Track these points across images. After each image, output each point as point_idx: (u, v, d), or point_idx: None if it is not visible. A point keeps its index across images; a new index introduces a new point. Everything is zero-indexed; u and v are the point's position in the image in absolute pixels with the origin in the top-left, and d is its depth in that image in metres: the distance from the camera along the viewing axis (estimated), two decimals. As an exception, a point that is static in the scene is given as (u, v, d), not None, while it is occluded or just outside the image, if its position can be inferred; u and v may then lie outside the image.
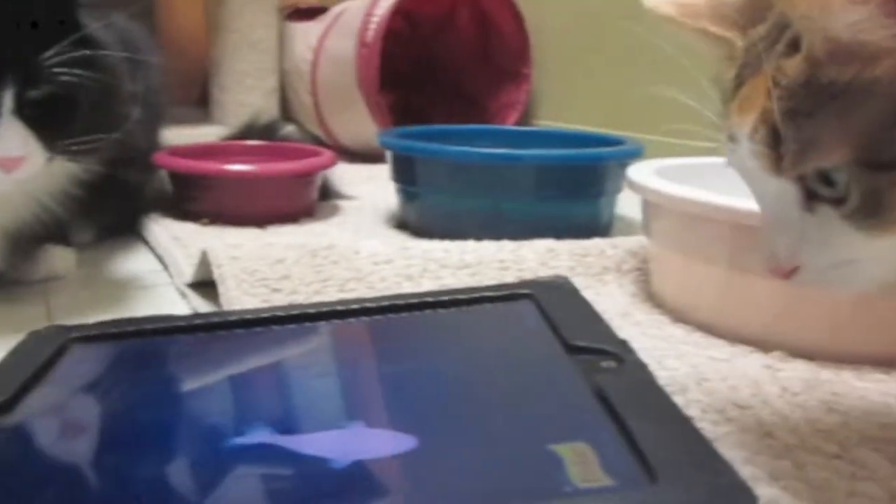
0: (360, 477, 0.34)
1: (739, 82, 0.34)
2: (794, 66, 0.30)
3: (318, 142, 1.41)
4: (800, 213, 0.32)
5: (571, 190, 0.82)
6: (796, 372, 0.52)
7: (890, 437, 0.43)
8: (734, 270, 0.56)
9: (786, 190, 0.32)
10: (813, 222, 0.32)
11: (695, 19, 0.37)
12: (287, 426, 0.39)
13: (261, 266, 0.63)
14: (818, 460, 0.41)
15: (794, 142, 0.31)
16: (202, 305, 0.65)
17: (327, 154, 0.97)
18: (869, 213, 0.30)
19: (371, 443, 0.37)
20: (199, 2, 1.56)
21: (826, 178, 0.31)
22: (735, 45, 0.36)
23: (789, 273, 0.34)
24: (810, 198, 0.32)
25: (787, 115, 0.30)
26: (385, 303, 0.51)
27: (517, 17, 1.37)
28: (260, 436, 0.37)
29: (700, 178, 0.66)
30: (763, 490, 0.38)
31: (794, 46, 0.31)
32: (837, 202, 0.31)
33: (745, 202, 0.53)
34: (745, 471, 0.40)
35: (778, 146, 0.31)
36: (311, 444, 0.36)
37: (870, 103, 0.29)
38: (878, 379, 0.51)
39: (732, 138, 0.34)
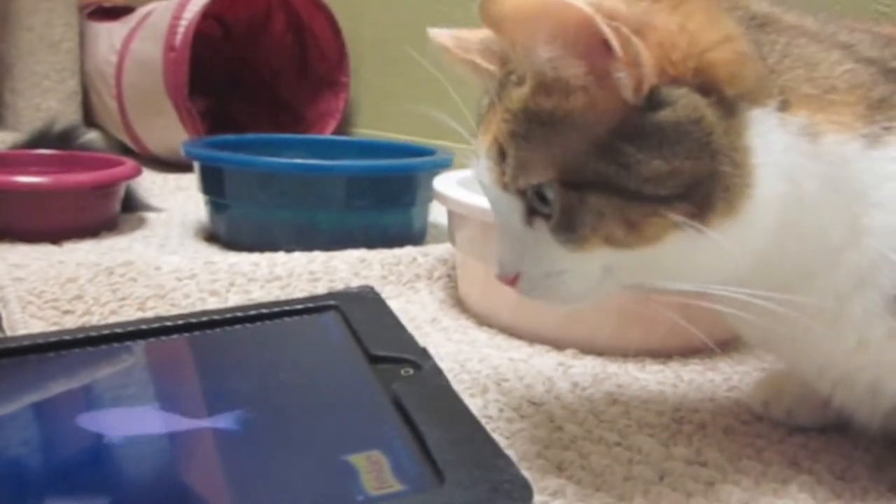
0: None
1: (488, 109, 0.38)
2: (517, 95, 0.35)
3: (124, 149, 1.34)
4: (523, 227, 0.36)
5: (383, 200, 0.83)
6: (587, 368, 0.56)
7: (663, 423, 0.48)
8: (530, 275, 0.59)
9: (512, 204, 0.36)
10: (531, 235, 0.36)
11: (466, 52, 0.41)
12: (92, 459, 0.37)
13: (49, 286, 0.59)
14: (601, 449, 0.45)
15: (513, 159, 0.35)
16: (-16, 331, 0.60)
17: (129, 164, 0.92)
18: (565, 228, 0.35)
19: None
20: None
21: (542, 197, 0.35)
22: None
23: (513, 280, 0.38)
24: (530, 213, 0.36)
25: (509, 137, 0.35)
26: (184, 321, 0.49)
27: (333, 25, 1.37)
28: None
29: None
30: (550, 481, 0.41)
31: (523, 79, 0.35)
32: (548, 217, 0.35)
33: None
34: (537, 463, 0.43)
35: (503, 164, 0.35)
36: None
37: (568, 132, 0.33)
38: (656, 370, 0.57)
39: (476, 155, 0.38)
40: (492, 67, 0.39)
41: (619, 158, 0.33)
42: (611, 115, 0.33)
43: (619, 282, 0.37)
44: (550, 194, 0.34)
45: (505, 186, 0.36)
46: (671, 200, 0.33)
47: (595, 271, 0.36)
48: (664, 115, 0.32)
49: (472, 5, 0.33)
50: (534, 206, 0.35)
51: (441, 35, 0.41)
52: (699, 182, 0.33)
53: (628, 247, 0.34)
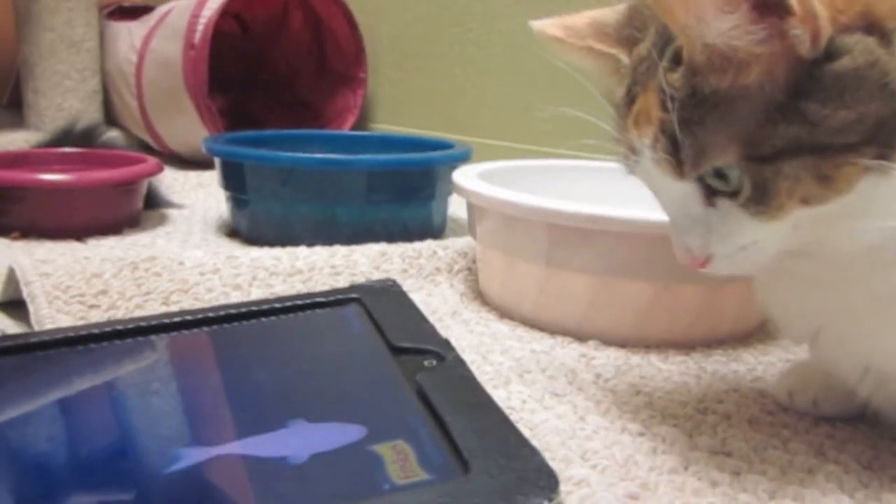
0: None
1: (631, 99, 0.38)
2: (679, 80, 0.34)
3: (145, 147, 1.35)
4: (703, 210, 0.36)
5: (403, 194, 0.83)
6: (609, 359, 0.56)
7: (687, 414, 0.48)
8: (551, 267, 0.59)
9: (688, 191, 0.36)
10: (715, 215, 0.36)
11: (580, 39, 0.40)
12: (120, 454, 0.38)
13: (75, 281, 0.59)
14: (625, 439, 0.45)
15: (690, 147, 0.34)
16: (12, 327, 0.61)
17: (151, 161, 0.92)
18: (758, 201, 0.35)
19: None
20: (6, -5, 1.45)
21: (721, 175, 0.35)
22: (620, 60, 0.39)
23: (704, 263, 0.38)
24: (709, 194, 0.36)
25: (681, 125, 0.34)
26: (209, 314, 0.50)
27: (350, 21, 1.37)
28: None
29: (521, 180, 0.70)
30: (575, 470, 0.41)
31: (676, 61, 0.35)
32: (733, 195, 0.35)
33: (560, 203, 0.57)
34: (560, 454, 0.42)
35: (677, 153, 0.35)
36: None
37: (746, 106, 0.33)
38: (679, 361, 0.57)
39: (633, 150, 0.38)
40: (612, 51, 0.39)
41: (806, 117, 0.33)
42: (786, 78, 0.33)
43: (800, 239, 0.36)
44: (734, 172, 0.34)
45: (683, 175, 0.36)
46: (859, 147, 0.33)
47: (787, 231, 0.36)
48: (843, 63, 0.32)
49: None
50: (713, 186, 0.36)
51: (549, 26, 0.41)
52: (883, 124, 0.33)
53: (823, 202, 0.34)
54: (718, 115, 0.34)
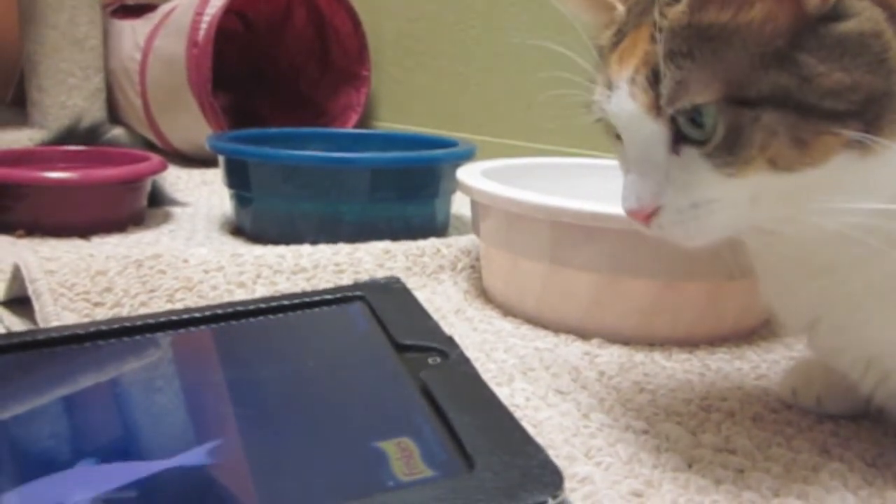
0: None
1: (619, 39, 0.37)
2: (677, 11, 0.33)
3: (148, 146, 1.35)
4: (666, 156, 0.35)
5: (406, 191, 0.83)
6: (613, 357, 0.56)
7: (691, 411, 0.48)
8: (555, 265, 0.59)
9: (657, 132, 0.35)
10: (677, 164, 0.35)
11: None
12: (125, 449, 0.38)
13: (80, 279, 0.60)
14: (628, 437, 0.45)
15: (672, 80, 0.33)
16: (17, 324, 0.61)
17: (156, 159, 0.93)
18: (728, 150, 0.33)
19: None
20: (10, -7, 1.45)
21: (696, 121, 0.34)
22: (616, 10, 0.39)
23: (649, 217, 0.36)
24: (677, 140, 0.35)
25: (667, 56, 0.33)
26: (214, 312, 0.50)
27: (354, 19, 1.37)
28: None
29: (524, 178, 0.70)
30: (579, 467, 0.41)
31: None
32: (702, 143, 0.34)
33: (564, 201, 0.57)
34: (564, 451, 0.43)
35: (657, 86, 0.34)
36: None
37: (742, 44, 0.32)
38: (683, 359, 0.57)
39: (610, 86, 0.37)
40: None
41: (800, 70, 0.32)
42: (789, 26, 0.32)
43: (758, 214, 0.35)
44: (709, 116, 0.33)
45: (658, 111, 0.34)
46: (845, 117, 0.32)
47: (744, 200, 0.34)
48: (850, 25, 0.32)
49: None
50: (684, 131, 0.34)
51: None
52: (873, 100, 0.32)
53: (790, 169, 0.33)
54: (710, 49, 0.33)
